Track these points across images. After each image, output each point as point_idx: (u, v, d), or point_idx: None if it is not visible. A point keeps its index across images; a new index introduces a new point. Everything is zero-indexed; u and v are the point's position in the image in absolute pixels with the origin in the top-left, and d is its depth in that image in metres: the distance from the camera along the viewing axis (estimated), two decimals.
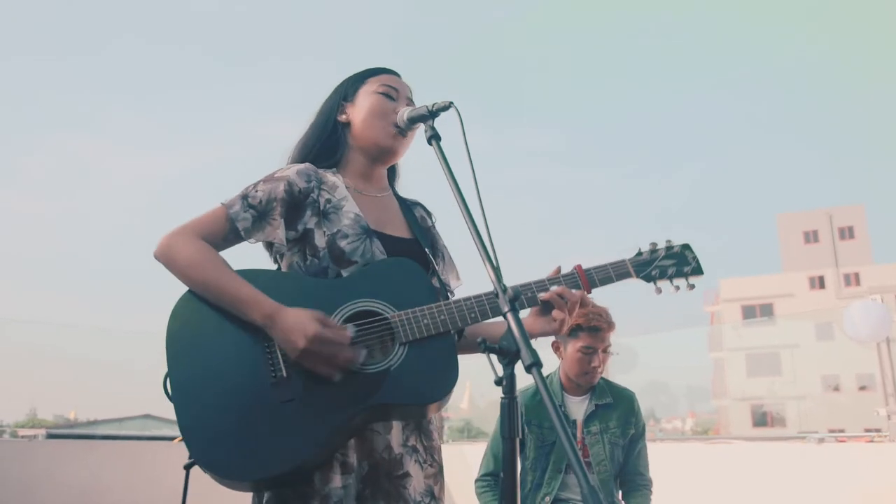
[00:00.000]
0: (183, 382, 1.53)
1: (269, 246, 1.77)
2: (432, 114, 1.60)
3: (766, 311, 44.73)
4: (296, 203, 1.68)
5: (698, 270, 1.67)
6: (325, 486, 1.52)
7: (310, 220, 1.69)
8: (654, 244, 1.69)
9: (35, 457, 5.19)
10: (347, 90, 1.84)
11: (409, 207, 1.88)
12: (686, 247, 1.69)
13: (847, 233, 48.63)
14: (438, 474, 1.70)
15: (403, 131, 1.75)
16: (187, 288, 1.62)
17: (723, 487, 4.83)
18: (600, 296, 3.15)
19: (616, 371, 6.43)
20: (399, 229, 1.79)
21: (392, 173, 1.94)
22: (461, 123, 1.50)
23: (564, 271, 1.64)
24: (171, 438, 6.63)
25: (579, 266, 1.63)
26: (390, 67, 1.89)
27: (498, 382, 1.21)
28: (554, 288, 1.60)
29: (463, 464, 5.37)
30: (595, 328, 2.92)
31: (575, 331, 2.95)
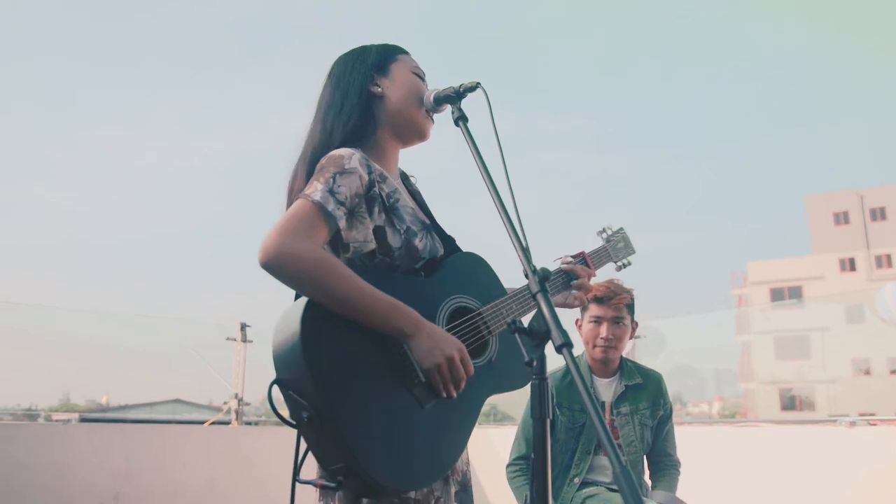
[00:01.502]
0: (344, 402, 1.41)
1: (341, 244, 1.59)
2: (459, 95, 1.58)
3: (795, 293, 44.18)
4: (367, 199, 1.58)
5: (634, 250, 2.18)
6: None
7: (378, 217, 1.59)
8: (606, 229, 2.14)
9: (69, 440, 5.28)
10: (380, 62, 1.74)
11: (407, 184, 1.84)
12: (622, 229, 2.17)
13: (878, 214, 47.75)
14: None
15: (432, 115, 1.75)
16: (303, 297, 1.46)
17: (751, 471, 4.79)
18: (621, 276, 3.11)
19: (643, 354, 6.39)
20: (426, 218, 1.77)
21: None
22: (489, 104, 1.48)
23: (569, 257, 1.97)
24: (201, 422, 6.74)
25: (584, 252, 2.01)
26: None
27: (528, 363, 1.21)
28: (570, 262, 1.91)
29: (490, 448, 5.38)
30: (598, 298, 2.96)
31: (589, 301, 2.99)
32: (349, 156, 1.57)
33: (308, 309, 1.44)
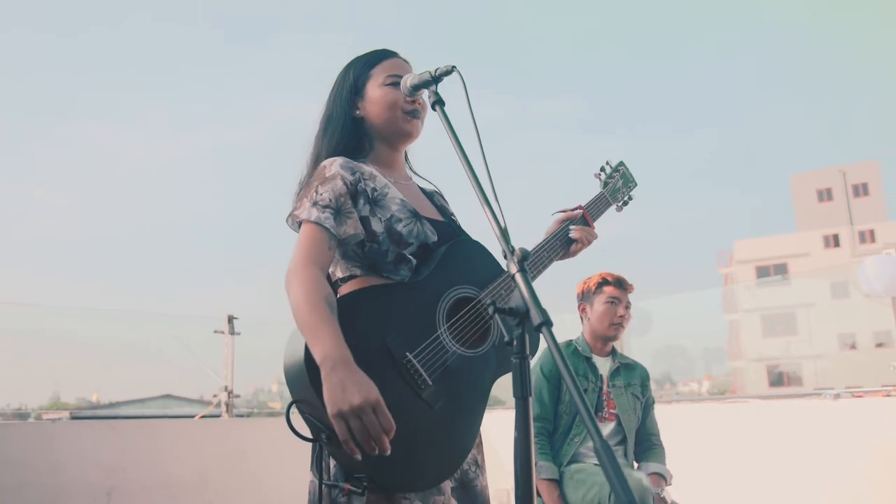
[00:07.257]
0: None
1: (342, 241, 1.70)
2: (435, 79, 1.59)
3: (781, 270, 44.50)
4: (352, 195, 1.71)
5: (635, 182, 2.18)
6: None
7: (363, 209, 1.72)
8: (604, 168, 2.14)
9: (60, 438, 5.26)
10: (356, 85, 1.87)
11: (430, 195, 1.97)
12: (622, 164, 2.18)
13: (861, 190, 48.09)
14: (480, 444, 1.81)
15: (416, 112, 1.85)
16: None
17: (740, 446, 4.85)
18: (614, 265, 3.44)
19: (631, 334, 6.42)
20: (432, 213, 1.87)
21: (405, 159, 2.01)
22: (464, 86, 1.48)
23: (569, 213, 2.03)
24: (191, 416, 6.72)
25: (582, 206, 2.04)
26: (389, 49, 1.92)
27: (508, 343, 1.22)
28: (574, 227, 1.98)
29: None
30: (619, 281, 3.30)
31: (600, 285, 3.31)
32: (329, 164, 1.74)
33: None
